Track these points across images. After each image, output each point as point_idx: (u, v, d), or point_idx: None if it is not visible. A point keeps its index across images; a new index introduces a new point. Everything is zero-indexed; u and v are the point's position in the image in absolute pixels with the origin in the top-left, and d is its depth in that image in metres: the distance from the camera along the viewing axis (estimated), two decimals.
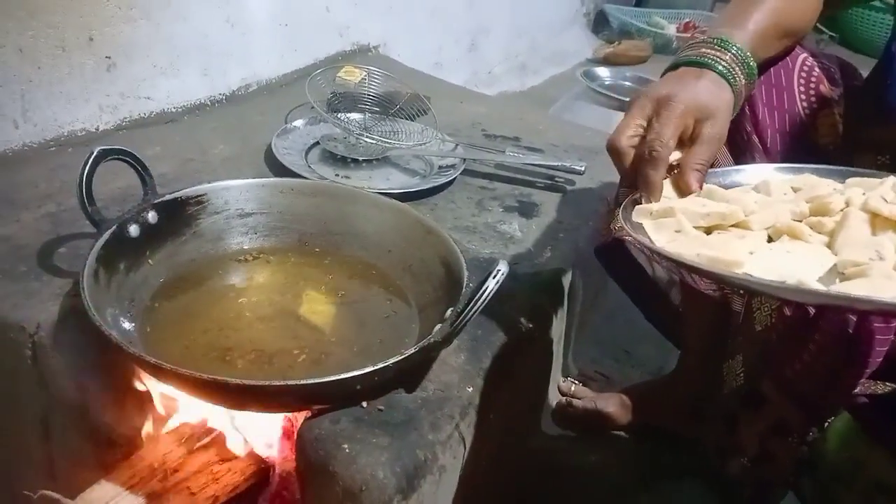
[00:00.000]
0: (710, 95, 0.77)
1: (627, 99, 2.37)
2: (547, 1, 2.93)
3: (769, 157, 0.94)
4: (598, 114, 2.19)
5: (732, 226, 0.72)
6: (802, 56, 0.94)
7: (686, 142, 0.78)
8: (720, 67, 0.79)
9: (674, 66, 0.82)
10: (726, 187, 0.80)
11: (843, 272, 0.63)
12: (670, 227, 0.71)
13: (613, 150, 0.80)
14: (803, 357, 0.83)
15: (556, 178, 1.35)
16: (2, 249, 0.96)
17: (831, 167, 0.82)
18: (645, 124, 0.78)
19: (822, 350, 0.81)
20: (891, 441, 0.88)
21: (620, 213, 0.74)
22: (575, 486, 1.16)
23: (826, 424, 0.88)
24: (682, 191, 0.77)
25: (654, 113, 0.77)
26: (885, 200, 0.69)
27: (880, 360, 0.79)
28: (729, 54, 0.80)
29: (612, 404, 1.22)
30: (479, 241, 1.12)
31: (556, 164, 1.35)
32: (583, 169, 1.32)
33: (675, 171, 0.78)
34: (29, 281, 0.91)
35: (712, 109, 0.77)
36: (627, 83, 2.48)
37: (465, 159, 1.33)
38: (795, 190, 0.79)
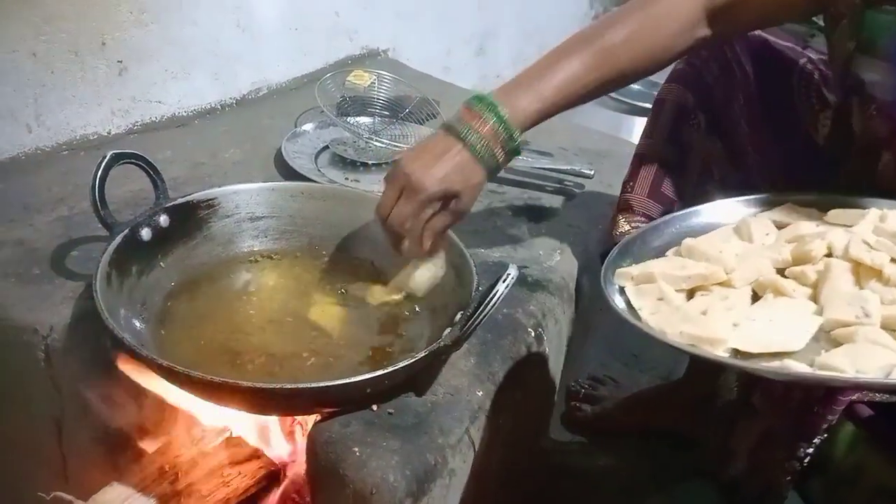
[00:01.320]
0: (458, 177, 0.81)
1: (636, 102, 2.36)
2: (555, 4, 2.93)
3: (766, 162, 0.94)
4: (608, 117, 2.19)
5: (715, 284, 0.72)
6: (803, 60, 0.94)
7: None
8: (477, 145, 0.81)
9: (445, 125, 0.84)
10: (693, 231, 0.81)
11: (830, 333, 0.63)
12: (652, 294, 0.72)
13: (383, 226, 0.85)
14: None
15: (566, 182, 1.35)
16: (16, 253, 0.97)
17: (810, 196, 0.83)
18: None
19: None
20: (891, 446, 0.88)
21: (602, 276, 0.75)
22: (584, 490, 1.15)
23: (818, 440, 0.88)
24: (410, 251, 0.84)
25: (401, 192, 0.81)
26: (868, 244, 0.69)
27: None
28: (488, 126, 0.81)
29: (621, 408, 1.22)
30: (489, 244, 1.12)
31: (565, 168, 1.35)
32: (592, 173, 1.32)
33: None
34: (42, 284, 0.92)
35: (458, 191, 0.81)
36: (636, 87, 2.47)
37: None
38: (779, 225, 0.79)
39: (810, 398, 0.84)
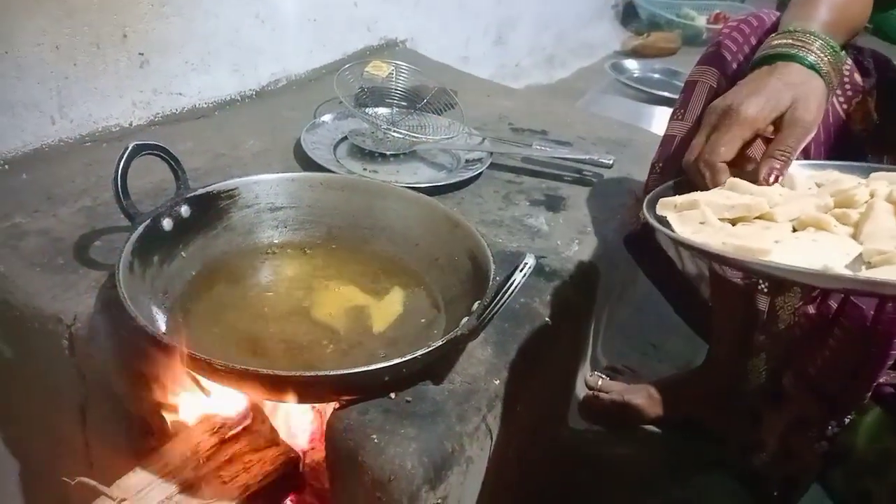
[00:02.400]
0: (786, 92, 0.75)
1: (656, 91, 2.35)
2: None
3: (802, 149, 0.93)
4: (627, 107, 2.17)
5: (757, 218, 0.71)
6: None
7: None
8: (809, 59, 0.77)
9: (754, 65, 0.80)
10: None
11: (869, 261, 0.62)
12: (695, 220, 0.71)
13: (686, 170, 0.79)
14: (824, 353, 0.83)
15: (584, 172, 1.34)
16: (40, 243, 0.98)
17: (854, 164, 0.82)
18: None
19: (842, 345, 0.81)
20: None
21: (645, 207, 0.74)
22: (603, 479, 1.16)
23: (847, 420, 0.87)
24: (753, 178, 0.76)
25: (715, 125, 0.76)
26: None
27: (893, 350, 0.78)
28: (817, 43, 0.77)
29: (640, 397, 1.22)
30: (506, 234, 1.12)
31: (583, 157, 1.35)
32: (611, 162, 1.32)
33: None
34: (66, 273, 0.93)
35: (792, 106, 0.75)
36: (656, 76, 2.45)
37: (491, 153, 1.33)
38: (819, 185, 0.78)
39: (842, 375, 0.83)
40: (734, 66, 0.97)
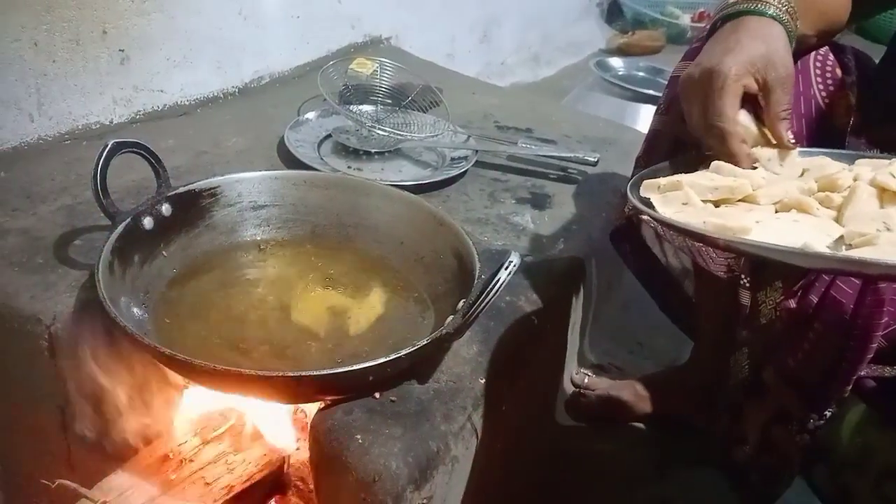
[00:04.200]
0: (757, 43, 0.75)
1: (641, 89, 2.36)
2: None
3: None
4: (612, 105, 2.18)
5: (740, 200, 0.71)
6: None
7: (759, 96, 0.77)
8: (769, 11, 0.77)
9: (715, 25, 0.80)
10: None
11: (850, 243, 0.62)
12: (678, 201, 0.70)
13: (704, 144, 0.78)
14: (803, 346, 0.84)
15: (569, 170, 1.34)
16: (19, 242, 0.97)
17: (841, 151, 0.82)
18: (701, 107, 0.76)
19: (821, 339, 0.82)
20: None
21: (629, 188, 0.74)
22: (589, 476, 1.16)
23: (828, 413, 0.88)
24: (779, 144, 0.77)
25: (705, 93, 0.75)
26: (894, 176, 0.68)
27: (874, 346, 0.79)
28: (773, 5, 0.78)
29: (626, 394, 1.22)
30: (492, 232, 1.12)
31: (568, 155, 1.35)
32: (596, 160, 1.32)
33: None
34: (45, 273, 0.92)
35: (767, 55, 0.75)
36: (641, 73, 2.47)
37: (477, 151, 1.33)
38: (806, 171, 0.78)
39: (821, 368, 0.83)
40: None
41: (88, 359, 0.86)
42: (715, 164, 0.76)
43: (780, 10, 0.78)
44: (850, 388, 0.84)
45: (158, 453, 0.86)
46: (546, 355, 1.06)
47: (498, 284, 0.74)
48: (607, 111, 2.00)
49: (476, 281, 0.83)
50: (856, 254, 0.59)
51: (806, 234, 0.63)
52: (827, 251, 0.59)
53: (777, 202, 0.70)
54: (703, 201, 0.70)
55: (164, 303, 0.87)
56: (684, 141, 1.02)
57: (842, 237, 0.63)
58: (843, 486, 0.97)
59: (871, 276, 0.75)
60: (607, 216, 1.22)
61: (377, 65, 1.46)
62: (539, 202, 1.23)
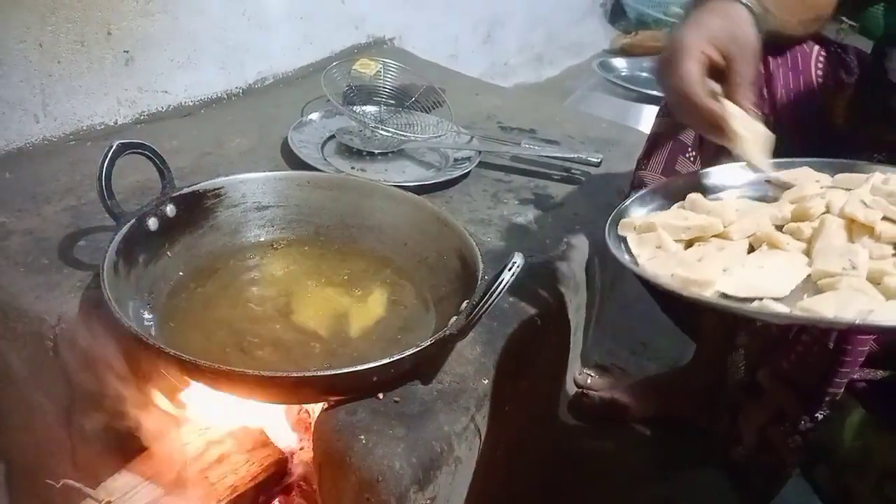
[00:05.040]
0: (718, 19, 0.78)
1: (644, 90, 2.36)
2: None
3: (787, 137, 0.94)
4: (615, 105, 2.18)
5: (714, 236, 0.73)
6: (818, 47, 0.94)
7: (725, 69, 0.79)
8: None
9: (688, 10, 0.83)
10: (701, 191, 0.81)
11: (817, 282, 0.64)
12: (652, 243, 0.73)
13: (676, 113, 0.82)
14: (797, 348, 0.85)
15: (573, 171, 1.34)
16: (24, 242, 0.97)
17: (825, 160, 0.83)
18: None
19: (815, 341, 0.83)
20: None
21: (607, 228, 0.76)
22: (592, 477, 1.16)
23: (819, 416, 0.89)
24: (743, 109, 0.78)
25: (672, 65, 0.78)
26: (865, 203, 0.70)
27: (866, 349, 0.79)
28: None
29: (629, 395, 1.22)
30: (495, 233, 1.12)
31: (572, 156, 1.35)
32: (599, 161, 1.32)
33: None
34: (51, 273, 0.92)
35: (727, 28, 0.78)
36: (644, 74, 2.46)
37: (480, 152, 1.33)
38: (787, 186, 0.80)
39: (814, 371, 0.84)
40: None
41: (93, 359, 0.86)
42: (691, 198, 0.78)
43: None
44: (841, 391, 0.85)
45: (163, 453, 0.86)
46: (549, 356, 1.06)
47: (501, 285, 0.74)
48: (610, 112, 2.00)
49: (479, 282, 0.83)
50: (813, 306, 0.60)
51: (772, 279, 0.65)
52: (783, 309, 0.61)
53: (750, 235, 0.72)
54: (676, 241, 0.73)
55: (168, 303, 0.88)
56: (685, 143, 1.02)
57: (809, 276, 0.65)
58: (844, 487, 0.97)
59: (827, 329, 0.79)
60: (610, 216, 1.22)
61: (381, 65, 1.46)
62: (542, 203, 1.23)
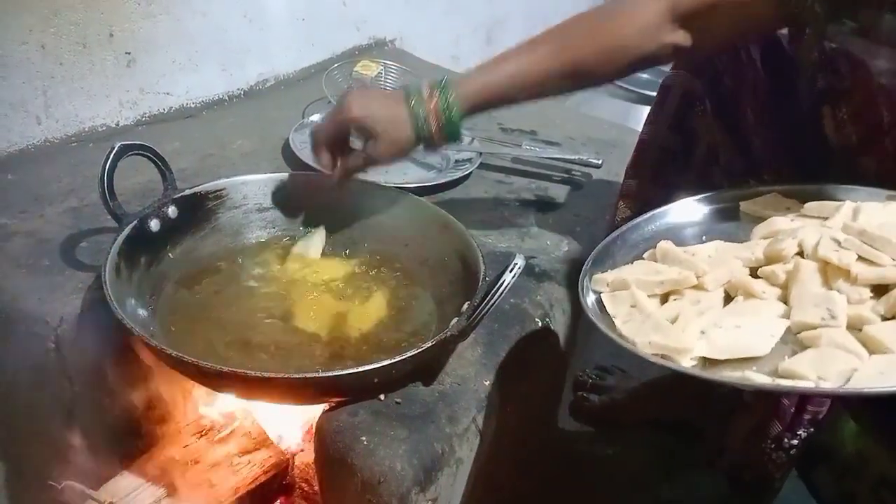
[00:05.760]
0: (385, 123, 0.86)
1: (645, 91, 2.35)
2: None
3: (772, 150, 0.95)
4: (616, 107, 2.18)
5: (689, 287, 0.73)
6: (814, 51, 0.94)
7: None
8: (418, 111, 0.85)
9: (405, 87, 0.90)
10: (666, 232, 0.82)
11: (798, 335, 0.64)
12: (626, 301, 0.73)
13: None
14: None
15: (573, 172, 1.34)
16: (26, 244, 0.97)
17: (790, 187, 0.84)
18: None
19: None
20: (890, 438, 0.89)
21: (581, 284, 0.77)
22: (593, 479, 1.16)
23: (802, 433, 0.89)
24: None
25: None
26: (838, 241, 0.70)
27: None
28: (434, 102, 0.85)
29: (629, 397, 1.22)
30: (496, 234, 1.12)
31: (573, 157, 1.35)
32: (600, 162, 1.32)
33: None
34: (52, 275, 0.92)
35: (378, 133, 0.86)
36: (645, 75, 2.45)
37: (481, 153, 1.33)
38: (757, 218, 0.82)
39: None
40: (706, 69, 0.98)
41: (95, 360, 0.86)
42: (662, 248, 0.79)
43: (422, 113, 0.86)
44: (824, 409, 0.85)
45: (164, 455, 0.86)
46: (550, 357, 1.06)
47: (502, 287, 0.75)
48: (611, 113, 2.00)
49: (481, 283, 0.83)
50: (790, 378, 0.60)
51: (751, 338, 0.65)
52: (767, 381, 0.61)
53: (725, 283, 0.72)
54: (651, 295, 0.73)
55: (170, 304, 0.88)
56: (672, 150, 1.02)
57: (789, 329, 0.65)
58: (845, 491, 0.97)
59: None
60: (611, 218, 1.22)
61: (382, 67, 1.46)
62: (543, 204, 1.23)
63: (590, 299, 0.75)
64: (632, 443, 1.22)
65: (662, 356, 0.64)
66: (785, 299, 0.69)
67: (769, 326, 0.66)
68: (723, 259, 0.75)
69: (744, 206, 0.86)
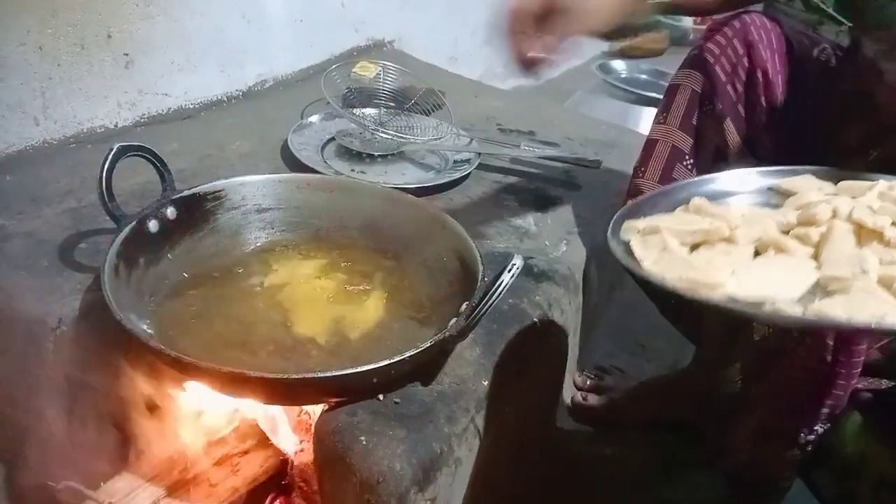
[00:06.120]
0: None
1: (643, 92, 2.36)
2: None
3: (782, 150, 0.94)
4: (614, 107, 2.18)
5: (720, 239, 0.72)
6: (816, 50, 0.94)
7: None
8: None
9: None
10: (706, 196, 0.80)
11: (826, 287, 0.63)
12: (657, 245, 0.72)
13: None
14: (795, 361, 0.84)
15: (572, 173, 1.34)
16: (24, 245, 0.97)
17: (825, 168, 0.83)
18: None
19: (812, 353, 0.82)
20: (892, 437, 0.89)
21: (609, 232, 0.75)
22: (592, 479, 1.16)
23: (818, 429, 0.89)
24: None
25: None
26: (872, 209, 0.69)
27: (860, 360, 0.79)
28: None
29: (628, 397, 1.22)
30: (494, 235, 1.12)
31: (571, 157, 1.35)
32: (598, 163, 1.32)
33: None
34: (51, 276, 0.92)
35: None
36: (643, 76, 2.46)
37: (480, 154, 1.33)
38: (789, 193, 0.79)
39: (811, 385, 0.84)
40: (717, 68, 0.98)
41: (93, 361, 0.86)
42: (694, 203, 0.77)
43: None
44: (841, 404, 0.85)
45: (163, 455, 0.86)
46: (548, 357, 1.06)
47: (501, 287, 0.75)
48: (610, 114, 2.00)
49: (479, 283, 0.83)
50: (826, 309, 0.59)
51: (781, 282, 0.64)
52: (796, 312, 0.60)
53: (756, 240, 0.71)
54: (682, 244, 0.72)
55: (168, 305, 0.88)
56: (681, 149, 1.03)
57: (818, 281, 0.64)
58: (845, 491, 0.97)
59: (841, 332, 0.77)
60: (609, 219, 1.22)
61: (380, 68, 1.46)
62: (542, 205, 1.24)
63: (618, 244, 0.74)
64: (631, 443, 1.22)
65: (691, 290, 0.63)
66: (816, 259, 0.67)
67: (800, 274, 0.64)
68: (756, 219, 0.74)
69: (778, 182, 0.84)
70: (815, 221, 0.71)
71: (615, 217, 0.78)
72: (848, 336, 0.79)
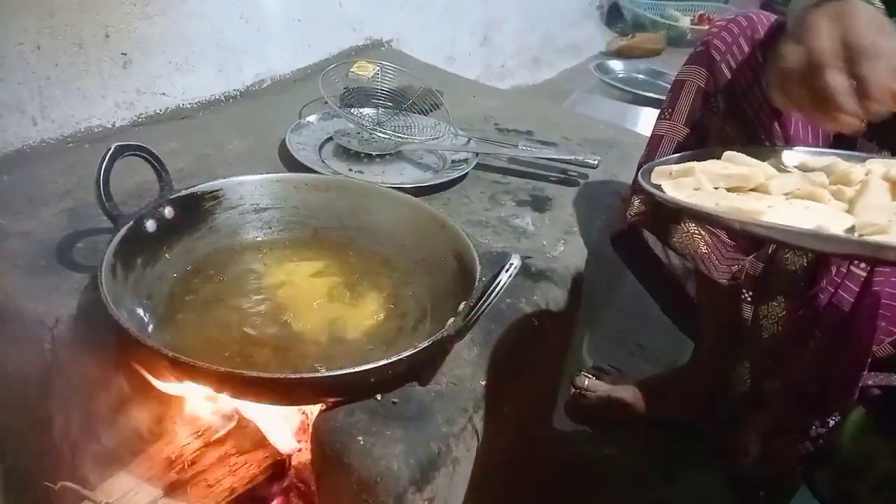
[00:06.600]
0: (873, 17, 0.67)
1: (641, 92, 2.35)
2: None
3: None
4: (612, 107, 2.18)
5: (752, 189, 0.70)
6: None
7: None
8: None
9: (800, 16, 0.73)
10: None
11: (862, 233, 0.60)
12: (689, 186, 0.69)
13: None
14: (805, 355, 0.84)
15: (570, 172, 1.34)
16: (22, 245, 0.97)
17: (854, 153, 0.81)
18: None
19: (822, 346, 0.81)
20: None
21: (640, 175, 0.73)
22: (590, 478, 1.16)
23: (831, 421, 0.88)
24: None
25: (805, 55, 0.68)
26: None
27: (873, 349, 0.79)
28: None
29: (626, 397, 1.22)
30: (492, 235, 1.12)
31: (569, 157, 1.35)
32: (596, 163, 1.32)
33: None
34: (48, 276, 0.92)
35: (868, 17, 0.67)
36: (641, 76, 2.47)
37: (477, 153, 1.33)
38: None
39: (826, 373, 0.83)
40: (722, 66, 0.98)
41: (91, 361, 0.86)
42: (728, 153, 0.76)
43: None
44: (854, 396, 0.84)
45: (161, 455, 0.86)
46: (546, 357, 1.06)
47: (499, 287, 0.75)
48: (607, 114, 2.00)
49: (477, 283, 0.83)
50: (871, 238, 0.57)
51: (818, 219, 0.61)
52: (843, 234, 0.58)
53: (789, 192, 0.69)
54: (714, 188, 0.69)
55: (166, 305, 0.88)
56: (685, 146, 1.03)
57: (853, 227, 0.61)
58: (845, 491, 0.97)
59: (885, 262, 0.73)
60: (608, 218, 1.23)
61: (378, 68, 1.46)
62: (539, 204, 1.24)
63: (648, 183, 0.71)
64: (629, 442, 1.22)
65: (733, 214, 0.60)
66: (849, 212, 0.65)
67: (836, 218, 0.63)
68: (789, 175, 0.72)
69: (805, 159, 0.81)
70: (849, 181, 0.69)
71: (645, 166, 0.75)
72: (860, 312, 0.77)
